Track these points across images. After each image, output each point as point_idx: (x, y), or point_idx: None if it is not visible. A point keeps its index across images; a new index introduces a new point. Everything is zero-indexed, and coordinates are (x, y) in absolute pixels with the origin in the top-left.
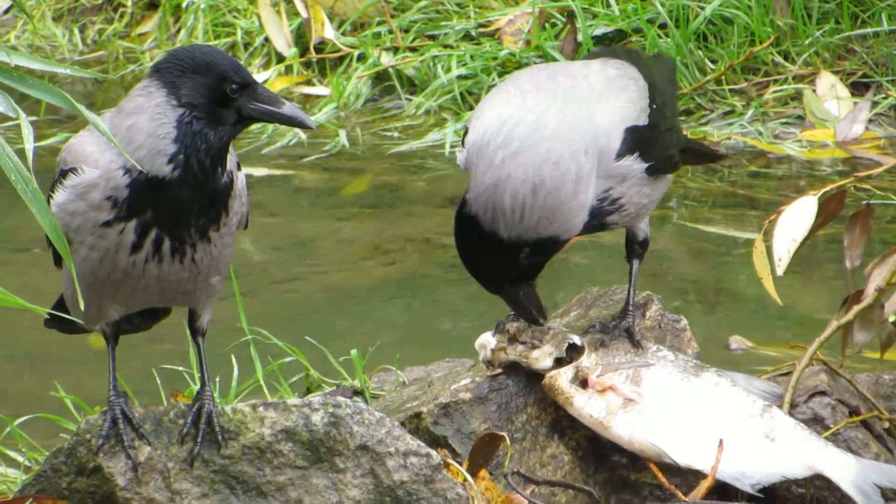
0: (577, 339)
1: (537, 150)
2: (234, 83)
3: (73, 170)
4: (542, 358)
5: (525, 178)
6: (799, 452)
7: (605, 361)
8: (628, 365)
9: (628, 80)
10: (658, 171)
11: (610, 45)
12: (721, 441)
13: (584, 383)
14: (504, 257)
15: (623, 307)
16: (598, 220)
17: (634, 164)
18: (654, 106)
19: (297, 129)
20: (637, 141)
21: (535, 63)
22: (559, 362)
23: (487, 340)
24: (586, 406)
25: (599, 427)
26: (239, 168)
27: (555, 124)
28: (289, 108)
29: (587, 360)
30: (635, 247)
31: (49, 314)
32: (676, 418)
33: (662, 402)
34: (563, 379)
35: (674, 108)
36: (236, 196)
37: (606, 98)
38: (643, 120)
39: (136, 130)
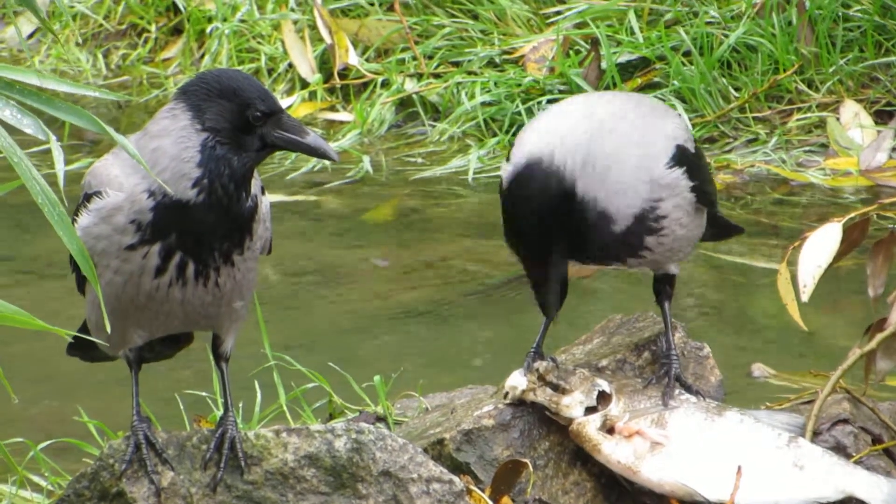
0: (605, 386)
1: (612, 137)
2: (258, 110)
3: (98, 193)
4: (572, 406)
5: (603, 151)
6: (829, 477)
7: (631, 407)
8: (653, 410)
9: (671, 109)
10: (702, 197)
11: (634, 72)
12: (739, 468)
13: (610, 430)
14: (566, 219)
15: (666, 352)
16: (638, 234)
17: (682, 179)
18: (694, 140)
19: None
20: (685, 159)
21: (559, 90)
22: (587, 409)
23: (518, 382)
24: (614, 452)
25: (628, 472)
26: (263, 193)
27: (624, 125)
28: (312, 139)
29: (615, 408)
30: (666, 287)
31: (71, 342)
32: (704, 456)
33: (689, 443)
34: (590, 426)
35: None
36: (260, 220)
37: (658, 116)
38: (691, 145)
39: (161, 153)
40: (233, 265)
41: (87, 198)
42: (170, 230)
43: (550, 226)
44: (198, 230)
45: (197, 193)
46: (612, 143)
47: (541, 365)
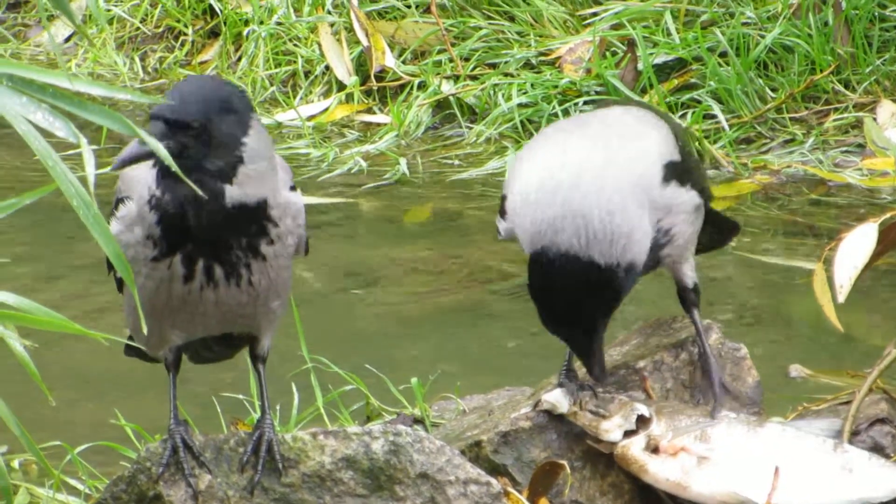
0: (644, 410)
1: (598, 183)
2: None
3: (124, 199)
4: (612, 430)
5: (599, 205)
6: (880, 477)
7: (673, 426)
8: (695, 427)
9: (655, 120)
10: (699, 193)
11: (670, 73)
12: (777, 469)
13: (654, 450)
14: (598, 288)
15: (703, 360)
16: (654, 253)
17: (677, 194)
18: (680, 143)
19: (357, 157)
20: (675, 173)
21: (596, 91)
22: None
23: (559, 401)
24: (662, 471)
25: (678, 489)
26: (293, 189)
27: (602, 161)
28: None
29: (657, 428)
30: (689, 295)
31: (129, 343)
32: (752, 465)
33: (735, 454)
34: (635, 448)
35: (692, 151)
36: (285, 213)
37: (639, 134)
38: (676, 155)
39: (148, 172)
40: (264, 259)
41: (117, 203)
42: (183, 241)
43: (586, 301)
44: (204, 234)
45: (177, 204)
46: (606, 202)
47: (585, 395)
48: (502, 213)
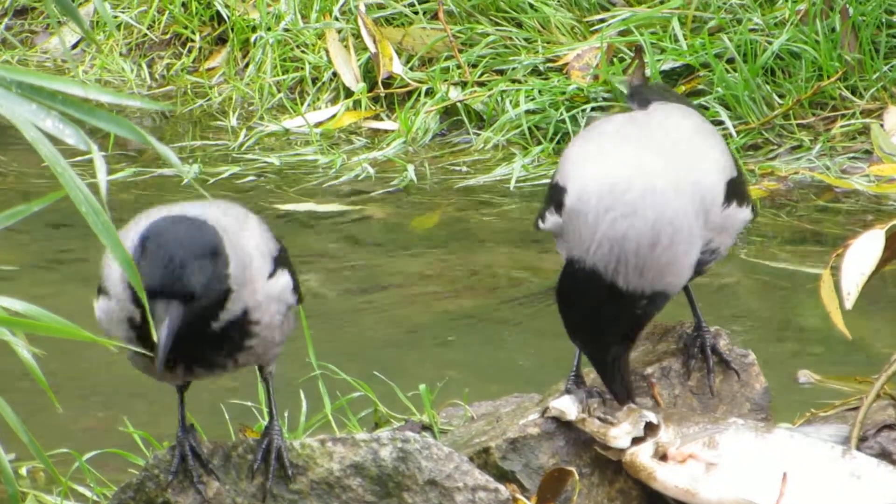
0: (652, 417)
1: (654, 210)
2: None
3: (104, 291)
4: (620, 437)
5: (643, 234)
6: (888, 484)
7: (681, 433)
8: (703, 433)
9: (708, 127)
10: (751, 213)
11: (678, 79)
12: (785, 474)
13: (663, 457)
14: (616, 311)
15: (696, 326)
16: (698, 268)
17: (735, 213)
18: (730, 152)
19: (365, 164)
20: (735, 191)
21: (603, 98)
22: (634, 440)
23: (568, 409)
24: (670, 478)
25: (687, 496)
26: (276, 259)
27: (664, 184)
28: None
29: (665, 435)
30: None
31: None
32: (761, 471)
33: (744, 460)
34: (643, 455)
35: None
36: (267, 305)
37: (703, 151)
38: (732, 167)
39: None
40: (250, 348)
41: (100, 288)
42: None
43: (607, 320)
44: (186, 357)
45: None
46: (656, 234)
47: (593, 402)
48: (558, 207)
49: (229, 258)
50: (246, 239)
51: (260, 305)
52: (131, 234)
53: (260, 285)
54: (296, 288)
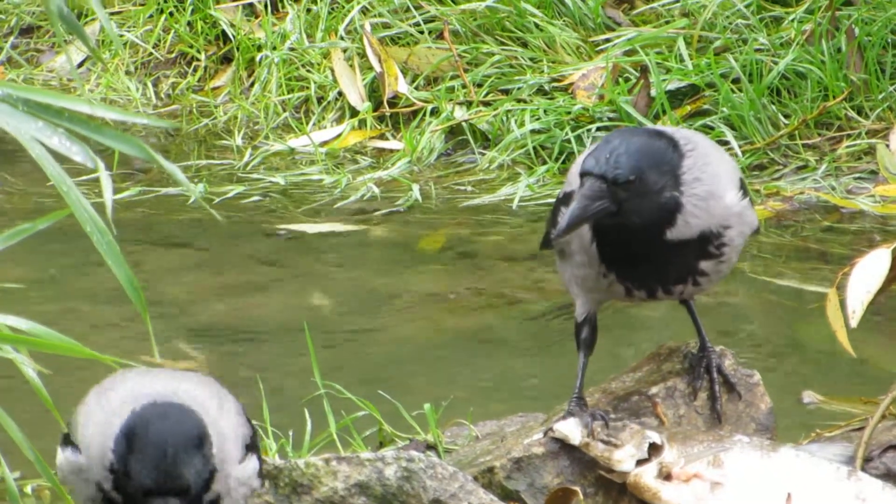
0: (656, 438)
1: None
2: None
3: (74, 444)
4: (624, 460)
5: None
6: None
7: (685, 453)
8: (708, 452)
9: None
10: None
11: (683, 99)
12: (789, 495)
13: (667, 477)
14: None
15: (701, 346)
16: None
17: (748, 207)
18: None
19: (370, 184)
20: (745, 190)
21: (609, 118)
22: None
23: (572, 433)
24: (675, 497)
25: None
26: (242, 459)
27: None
28: None
29: (669, 455)
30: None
31: None
32: (765, 491)
33: (748, 480)
34: (647, 476)
35: None
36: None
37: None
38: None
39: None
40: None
41: (68, 439)
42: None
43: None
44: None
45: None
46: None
47: (597, 425)
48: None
49: (212, 439)
50: (224, 420)
51: (230, 491)
52: (112, 418)
53: (231, 469)
54: (260, 472)
